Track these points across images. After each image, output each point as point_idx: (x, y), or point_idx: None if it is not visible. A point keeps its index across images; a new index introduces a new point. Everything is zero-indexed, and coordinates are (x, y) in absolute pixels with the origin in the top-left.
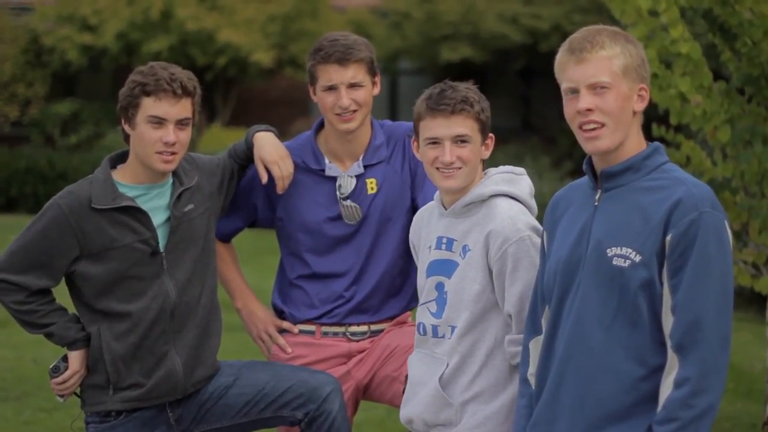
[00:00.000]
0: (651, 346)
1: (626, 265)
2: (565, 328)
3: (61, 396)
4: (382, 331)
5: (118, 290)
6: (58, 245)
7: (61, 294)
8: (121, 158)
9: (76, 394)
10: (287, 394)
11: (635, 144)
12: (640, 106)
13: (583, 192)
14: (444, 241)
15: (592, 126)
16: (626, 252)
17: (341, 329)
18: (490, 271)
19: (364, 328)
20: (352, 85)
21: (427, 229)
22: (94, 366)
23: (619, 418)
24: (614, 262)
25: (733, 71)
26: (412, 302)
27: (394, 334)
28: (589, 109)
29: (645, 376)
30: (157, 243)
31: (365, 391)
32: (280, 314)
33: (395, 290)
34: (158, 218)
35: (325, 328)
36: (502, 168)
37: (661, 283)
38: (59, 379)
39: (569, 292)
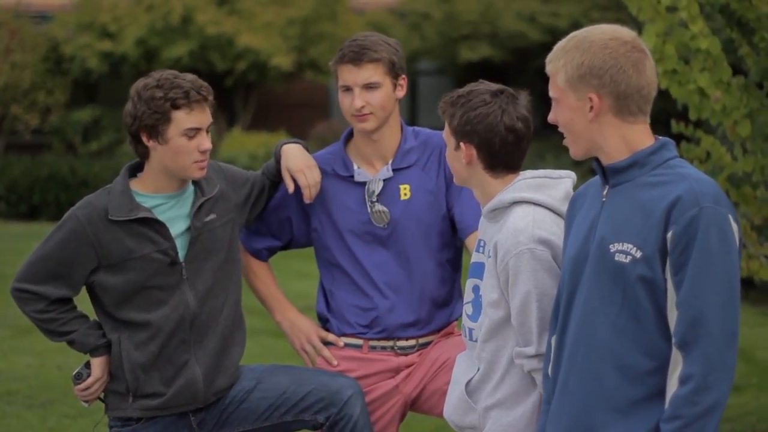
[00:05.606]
0: (659, 341)
1: (627, 260)
2: (572, 325)
3: (86, 401)
4: (430, 343)
5: (138, 300)
6: (76, 256)
7: (83, 301)
8: (141, 166)
9: (100, 398)
10: (308, 398)
11: (617, 146)
12: (590, 116)
13: (596, 188)
14: (482, 243)
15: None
16: (627, 248)
17: (389, 343)
18: None
19: (412, 342)
20: (367, 86)
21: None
22: (115, 373)
23: (626, 413)
24: (616, 258)
25: (751, 66)
26: (456, 312)
27: (442, 346)
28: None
29: (653, 370)
30: (176, 253)
31: (413, 404)
32: (325, 323)
33: (441, 301)
34: (178, 228)
35: (372, 342)
36: (536, 172)
37: (665, 280)
38: (82, 385)
39: (577, 289)
